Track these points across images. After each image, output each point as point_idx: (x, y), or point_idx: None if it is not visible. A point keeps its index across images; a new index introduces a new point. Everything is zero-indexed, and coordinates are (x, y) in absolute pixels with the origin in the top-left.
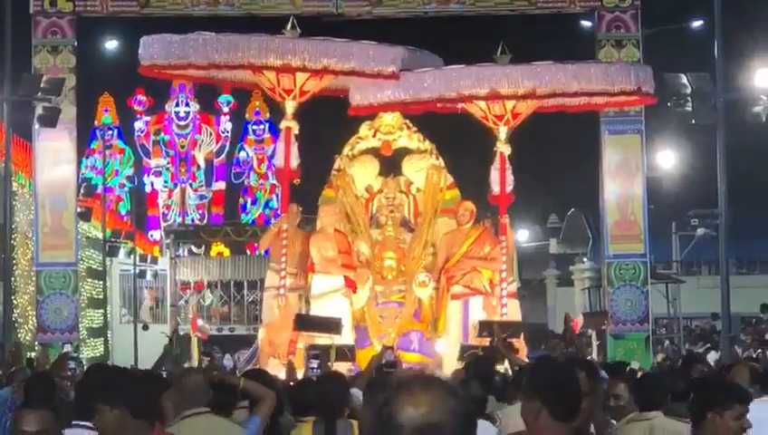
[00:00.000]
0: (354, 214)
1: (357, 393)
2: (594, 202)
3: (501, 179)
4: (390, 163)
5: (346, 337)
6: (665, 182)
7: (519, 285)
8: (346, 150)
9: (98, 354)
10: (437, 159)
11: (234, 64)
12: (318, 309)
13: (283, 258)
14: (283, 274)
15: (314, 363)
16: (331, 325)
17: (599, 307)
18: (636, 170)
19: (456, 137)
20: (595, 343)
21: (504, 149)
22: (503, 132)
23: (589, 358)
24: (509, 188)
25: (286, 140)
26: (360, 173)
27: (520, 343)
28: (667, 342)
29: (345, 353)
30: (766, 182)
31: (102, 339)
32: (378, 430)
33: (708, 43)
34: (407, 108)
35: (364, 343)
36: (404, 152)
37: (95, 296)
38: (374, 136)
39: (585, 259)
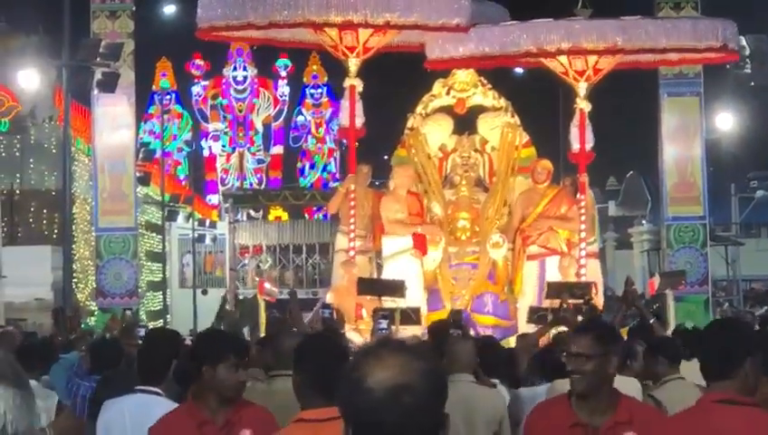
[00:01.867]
0: (426, 174)
1: None
2: (653, 165)
3: (581, 136)
4: (465, 121)
5: (417, 299)
6: (724, 144)
7: (601, 244)
8: (419, 109)
9: (157, 308)
10: (513, 116)
11: (294, 22)
12: (389, 271)
13: (352, 220)
14: (352, 235)
15: (383, 323)
16: (395, 288)
17: (658, 269)
18: (695, 133)
19: (531, 94)
20: (672, 303)
21: (584, 105)
22: (583, 88)
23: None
24: (589, 145)
25: (351, 99)
26: (434, 132)
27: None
28: (726, 304)
29: (410, 316)
30: None
31: (161, 293)
32: (347, 395)
33: (766, 4)
34: (486, 62)
35: (437, 306)
36: (479, 110)
37: (155, 250)
38: (448, 93)
39: (644, 222)
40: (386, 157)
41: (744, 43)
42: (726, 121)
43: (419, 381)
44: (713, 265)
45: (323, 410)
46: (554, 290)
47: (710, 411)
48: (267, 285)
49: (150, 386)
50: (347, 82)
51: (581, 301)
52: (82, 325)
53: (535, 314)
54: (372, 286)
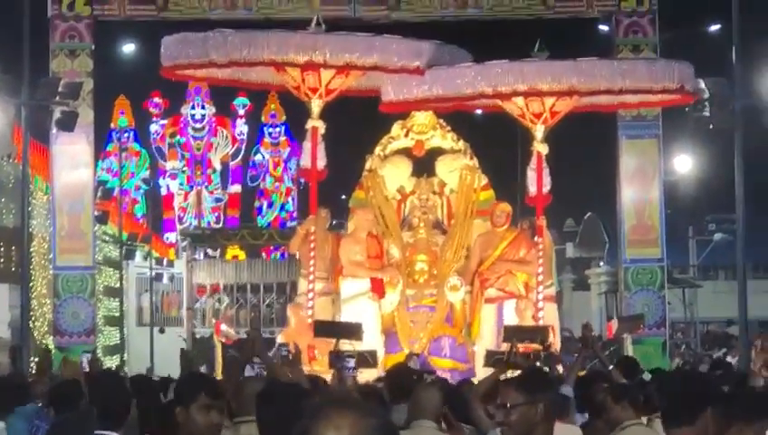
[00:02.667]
0: (384, 216)
1: None
2: (611, 206)
3: (538, 180)
4: (423, 163)
5: (374, 342)
6: (682, 186)
7: (558, 287)
8: (377, 150)
9: (113, 344)
10: (471, 159)
11: (255, 61)
12: (347, 313)
13: (312, 262)
14: (311, 277)
15: (351, 362)
16: (353, 331)
17: (615, 312)
18: (653, 175)
19: (490, 137)
20: (631, 347)
21: (541, 148)
22: (540, 131)
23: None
24: (546, 188)
25: (313, 140)
26: (392, 174)
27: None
28: (683, 346)
29: (367, 359)
30: None
31: (118, 329)
32: None
33: (725, 47)
34: (442, 105)
35: (394, 349)
36: (437, 152)
37: (113, 286)
38: (406, 135)
39: (601, 263)
40: (344, 197)
41: (702, 85)
42: (685, 164)
43: None
44: (670, 307)
45: None
46: (510, 334)
47: None
48: (224, 327)
49: (109, 430)
50: (309, 124)
51: (540, 346)
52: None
53: (492, 358)
54: (329, 329)
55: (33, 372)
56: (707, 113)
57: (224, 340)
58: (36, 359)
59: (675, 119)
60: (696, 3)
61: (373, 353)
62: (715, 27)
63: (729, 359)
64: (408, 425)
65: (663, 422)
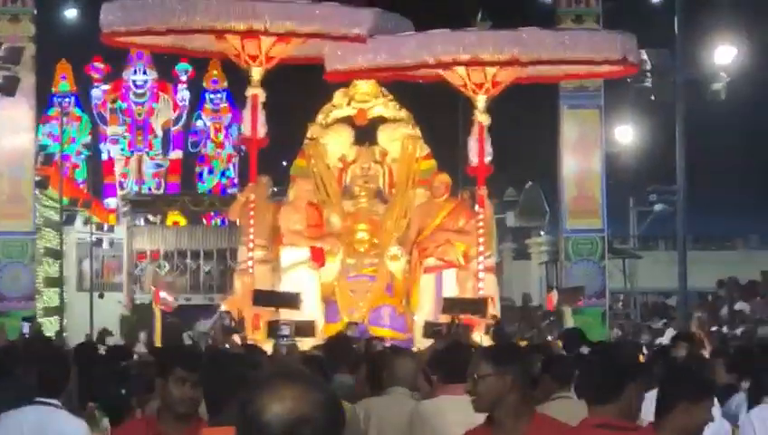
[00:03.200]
0: (325, 184)
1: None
2: (552, 176)
3: (479, 150)
4: (366, 132)
5: (314, 311)
6: (623, 157)
7: (498, 258)
8: (319, 118)
9: (54, 306)
10: (413, 128)
11: (193, 28)
12: (286, 282)
13: (251, 230)
14: (251, 245)
15: (286, 330)
16: (291, 300)
17: (555, 282)
18: (594, 145)
19: (432, 106)
20: (570, 319)
21: (482, 119)
22: (481, 101)
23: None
24: (488, 159)
25: (253, 108)
26: (334, 142)
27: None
28: (624, 317)
29: (305, 329)
30: (724, 159)
31: (58, 317)
32: (245, 428)
33: (668, 18)
34: (384, 73)
35: (334, 318)
36: (379, 121)
37: (52, 275)
38: (348, 104)
39: (542, 233)
40: (285, 163)
41: (644, 57)
42: (626, 135)
43: (317, 412)
44: (610, 277)
45: (225, 428)
46: (449, 306)
47: None
48: (163, 294)
49: (49, 398)
50: (249, 92)
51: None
52: None
53: (431, 329)
54: (268, 298)
55: None
56: (649, 84)
57: (163, 307)
58: None
59: (616, 89)
60: None
61: (311, 323)
62: None
63: (669, 330)
64: (385, 392)
65: (586, 400)
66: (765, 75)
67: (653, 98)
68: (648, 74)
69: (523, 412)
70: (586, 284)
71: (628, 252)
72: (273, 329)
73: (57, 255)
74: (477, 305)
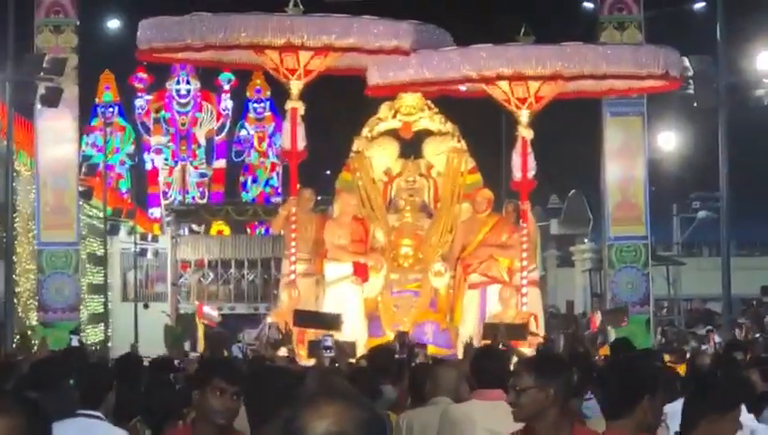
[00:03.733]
0: (370, 199)
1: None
2: (595, 184)
3: (522, 165)
4: (411, 145)
5: (357, 326)
6: (666, 164)
7: (542, 272)
8: (365, 132)
9: (98, 312)
10: (459, 141)
11: (231, 44)
12: (330, 297)
13: (293, 244)
14: (293, 259)
15: (329, 341)
16: (332, 322)
17: (599, 289)
18: (637, 152)
19: (478, 119)
20: (613, 332)
21: (525, 133)
22: (524, 116)
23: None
24: (531, 173)
25: (292, 121)
26: (379, 155)
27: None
28: (668, 324)
29: (345, 350)
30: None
31: (103, 324)
32: None
33: (710, 25)
34: (427, 87)
35: (378, 333)
36: (425, 134)
37: (96, 282)
38: (394, 117)
39: (586, 240)
40: (328, 172)
41: (687, 64)
42: (669, 142)
43: (355, 430)
44: (654, 284)
45: None
46: (489, 331)
47: None
48: (206, 309)
49: (91, 410)
50: (288, 105)
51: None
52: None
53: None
54: (309, 319)
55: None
56: (692, 91)
57: (206, 322)
58: (19, 336)
59: (659, 97)
60: None
61: (352, 344)
62: (699, 5)
63: (714, 337)
64: (428, 402)
65: (604, 415)
66: None
67: (696, 105)
68: (691, 81)
69: (562, 426)
70: (630, 290)
71: (671, 259)
72: (314, 348)
73: (101, 262)
74: (518, 330)
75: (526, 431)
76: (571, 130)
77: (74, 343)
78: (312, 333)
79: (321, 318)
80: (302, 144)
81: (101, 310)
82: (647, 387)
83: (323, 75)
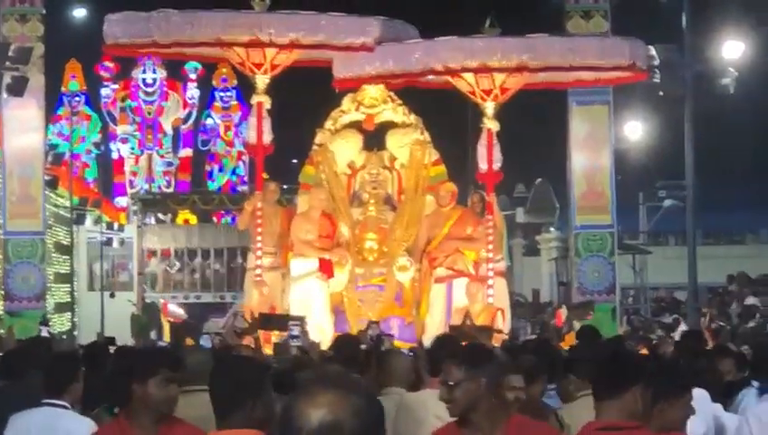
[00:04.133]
0: (334, 192)
1: None
2: (561, 172)
3: (488, 157)
4: (374, 138)
5: (322, 321)
6: (632, 153)
7: (509, 263)
8: (328, 124)
9: (65, 301)
10: (422, 133)
11: (197, 42)
12: (296, 291)
13: (259, 238)
14: (259, 253)
15: (295, 331)
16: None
17: (565, 278)
18: (603, 142)
19: (442, 111)
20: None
21: (491, 125)
22: (490, 108)
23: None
24: (497, 165)
25: (258, 116)
26: (343, 148)
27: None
28: (633, 312)
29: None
30: (734, 153)
31: (69, 312)
32: (280, 433)
33: (676, 14)
34: (393, 80)
35: (343, 327)
36: (388, 126)
37: (62, 271)
38: (357, 109)
39: (552, 229)
40: (294, 161)
41: (653, 53)
42: (635, 131)
43: (350, 418)
44: (620, 273)
45: (233, 431)
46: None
47: None
48: (171, 307)
49: (57, 399)
50: (254, 99)
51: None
52: None
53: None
54: (273, 322)
55: None
56: (658, 80)
57: (171, 319)
58: None
59: (625, 86)
60: None
61: (316, 345)
62: None
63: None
64: (379, 392)
65: (594, 397)
66: None
67: (662, 94)
68: (657, 70)
69: (498, 415)
70: (596, 279)
71: (637, 247)
72: (280, 351)
73: (67, 251)
74: (484, 332)
75: (461, 422)
76: (537, 118)
77: (44, 333)
78: (276, 334)
79: (285, 321)
80: (267, 138)
81: (68, 299)
82: (639, 375)
83: (290, 66)
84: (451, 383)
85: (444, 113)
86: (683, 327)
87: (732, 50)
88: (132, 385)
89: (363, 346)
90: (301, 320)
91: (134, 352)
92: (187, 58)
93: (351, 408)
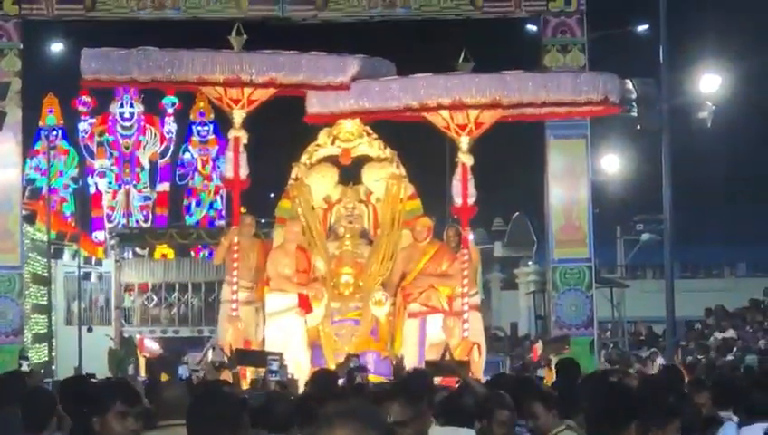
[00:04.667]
0: (310, 226)
1: None
2: (539, 206)
3: (463, 191)
4: (350, 172)
5: (299, 357)
6: (610, 187)
7: (483, 296)
8: (303, 158)
9: (42, 360)
10: (398, 167)
11: (177, 80)
12: (273, 327)
13: (235, 272)
14: (235, 287)
15: (274, 366)
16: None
17: (543, 311)
18: (581, 175)
19: (420, 143)
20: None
21: (465, 159)
22: (465, 142)
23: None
24: (471, 199)
25: (235, 150)
26: (318, 182)
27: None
28: (611, 346)
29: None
30: (711, 187)
31: (47, 344)
32: None
33: (654, 48)
34: (367, 117)
35: (320, 362)
36: (364, 160)
37: (40, 302)
38: (333, 143)
39: (530, 263)
40: (272, 195)
41: (630, 86)
42: (613, 164)
43: None
44: (598, 306)
45: None
46: (431, 369)
47: None
48: (147, 343)
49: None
50: (231, 134)
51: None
52: None
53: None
54: (250, 357)
55: None
56: (635, 114)
57: (147, 355)
58: None
59: (603, 119)
60: (625, 3)
61: (294, 382)
62: (643, 27)
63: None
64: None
65: (588, 431)
66: (751, 104)
67: (639, 127)
68: (634, 104)
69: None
70: (573, 313)
71: (615, 281)
72: (257, 386)
73: (45, 281)
74: (460, 368)
75: None
76: (515, 152)
77: (24, 367)
78: (253, 371)
79: (262, 357)
80: (244, 173)
81: (45, 331)
82: (634, 412)
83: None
84: (400, 422)
85: (421, 147)
86: (660, 361)
87: (709, 83)
88: (92, 418)
89: (341, 380)
90: (279, 356)
91: (85, 385)
92: (164, 88)
93: None
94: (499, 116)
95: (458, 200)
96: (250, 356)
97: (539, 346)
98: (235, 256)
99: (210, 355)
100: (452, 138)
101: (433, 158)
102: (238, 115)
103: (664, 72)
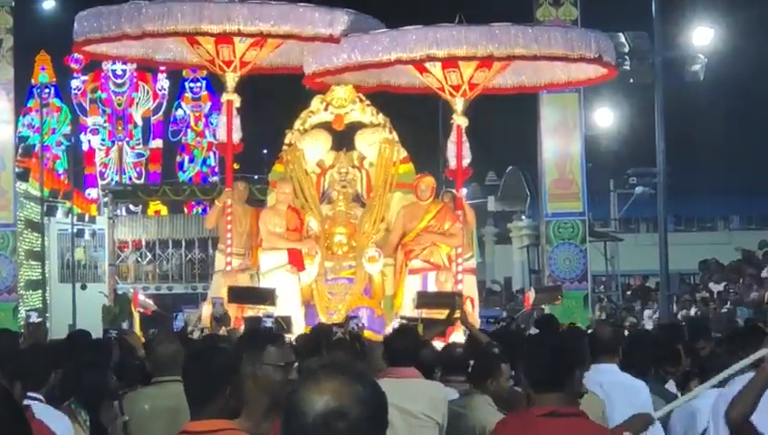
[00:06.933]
0: (303, 190)
1: None
2: (532, 160)
3: (458, 153)
4: (343, 137)
5: (294, 314)
6: (603, 140)
7: (479, 259)
8: (297, 125)
9: (36, 307)
10: (391, 132)
11: (168, 32)
12: (266, 285)
13: (229, 236)
14: (229, 250)
15: (268, 322)
16: (265, 296)
17: (537, 266)
18: (574, 129)
19: (413, 108)
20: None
21: (460, 121)
22: (459, 104)
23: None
24: (466, 161)
25: (228, 114)
26: (312, 148)
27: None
28: (605, 299)
29: (281, 325)
30: (704, 140)
31: (40, 292)
32: (284, 419)
33: (646, 1)
34: (361, 71)
35: (313, 320)
36: (357, 126)
37: (34, 250)
38: (326, 110)
39: (523, 217)
40: (265, 151)
41: (623, 39)
42: (606, 118)
43: (354, 406)
44: (592, 260)
45: (209, 421)
46: (422, 301)
47: (534, 425)
48: (141, 297)
49: (32, 392)
50: (224, 97)
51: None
52: None
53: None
54: (243, 295)
55: None
56: (628, 67)
57: (141, 310)
58: None
59: None
60: None
61: (287, 319)
62: None
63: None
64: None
65: (533, 387)
66: (744, 56)
67: (632, 80)
68: (627, 57)
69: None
70: (567, 267)
71: (609, 235)
72: (252, 324)
73: (37, 256)
74: (451, 299)
75: None
76: (508, 107)
77: (32, 319)
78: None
79: (255, 293)
80: (237, 137)
81: (39, 305)
82: (577, 361)
83: (261, 73)
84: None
85: (416, 111)
86: (648, 313)
87: (702, 36)
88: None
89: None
90: (271, 294)
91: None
92: (156, 64)
93: (356, 395)
94: (493, 76)
95: (453, 162)
96: (243, 293)
97: (531, 294)
98: (228, 219)
99: (204, 310)
100: (446, 99)
101: (426, 123)
102: (231, 78)
103: (656, 26)
